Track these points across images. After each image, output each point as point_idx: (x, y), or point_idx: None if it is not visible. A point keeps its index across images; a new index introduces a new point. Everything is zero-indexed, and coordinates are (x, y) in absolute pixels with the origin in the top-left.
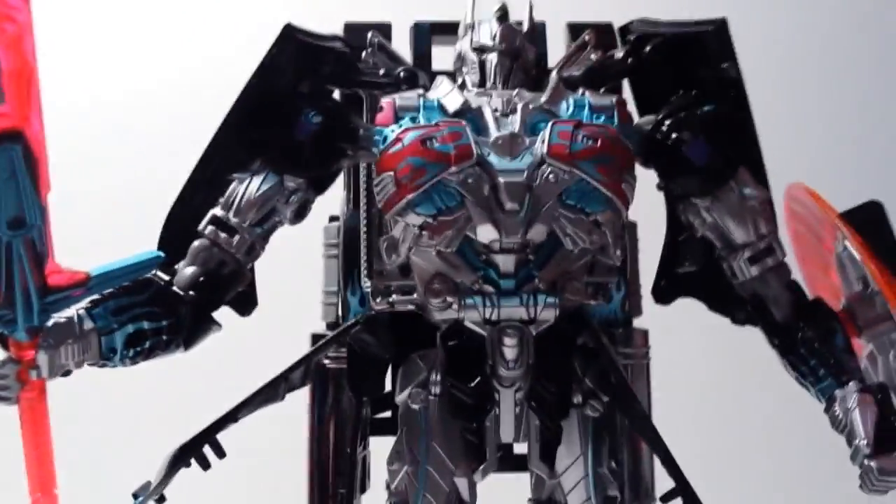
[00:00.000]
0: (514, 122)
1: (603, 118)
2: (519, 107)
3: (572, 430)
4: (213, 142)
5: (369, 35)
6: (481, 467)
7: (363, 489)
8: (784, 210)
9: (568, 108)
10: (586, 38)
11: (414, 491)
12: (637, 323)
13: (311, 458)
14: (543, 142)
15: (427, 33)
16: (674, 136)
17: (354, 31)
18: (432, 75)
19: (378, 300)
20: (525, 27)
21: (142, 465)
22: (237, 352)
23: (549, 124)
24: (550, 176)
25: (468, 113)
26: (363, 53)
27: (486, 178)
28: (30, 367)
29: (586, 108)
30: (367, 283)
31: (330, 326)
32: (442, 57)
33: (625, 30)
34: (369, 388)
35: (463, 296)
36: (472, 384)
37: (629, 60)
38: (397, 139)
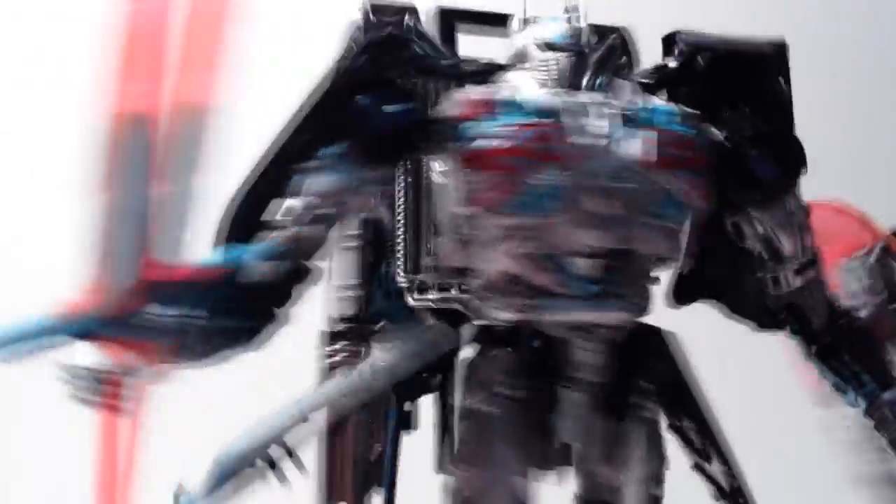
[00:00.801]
0: (604, 126)
1: (684, 127)
2: (604, 110)
3: (636, 434)
4: (288, 129)
5: (405, 18)
6: (556, 470)
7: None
8: None
9: (652, 115)
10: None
11: (491, 495)
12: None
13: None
14: (635, 148)
15: (451, 19)
16: (749, 150)
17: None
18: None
19: (417, 296)
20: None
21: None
22: None
23: (639, 131)
24: (641, 182)
25: (561, 113)
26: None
27: (585, 181)
28: None
29: (672, 114)
30: (402, 279)
31: (348, 320)
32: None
33: (669, 39)
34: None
35: (541, 298)
36: (543, 385)
37: (683, 70)
38: (496, 135)
